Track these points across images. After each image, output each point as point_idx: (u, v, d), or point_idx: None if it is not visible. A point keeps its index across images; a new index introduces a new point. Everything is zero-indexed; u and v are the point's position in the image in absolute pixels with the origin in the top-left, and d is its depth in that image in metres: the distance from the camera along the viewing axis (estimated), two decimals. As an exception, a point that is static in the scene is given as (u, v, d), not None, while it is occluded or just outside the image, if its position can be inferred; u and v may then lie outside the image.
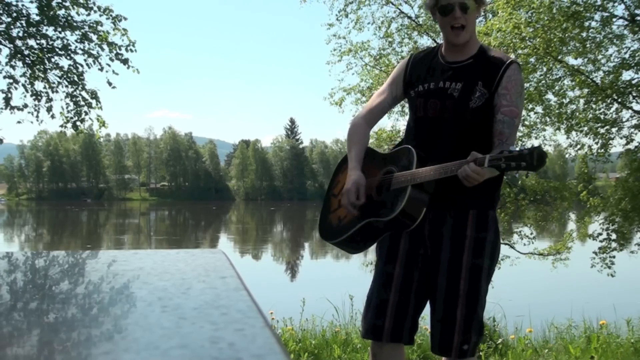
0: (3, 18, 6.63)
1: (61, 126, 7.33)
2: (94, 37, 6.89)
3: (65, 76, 6.94)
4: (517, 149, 1.75)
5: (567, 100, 7.07)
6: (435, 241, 2.01)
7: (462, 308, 1.95)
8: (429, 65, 2.11)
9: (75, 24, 6.78)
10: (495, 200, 2.12)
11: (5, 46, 6.72)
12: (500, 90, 1.98)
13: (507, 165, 1.75)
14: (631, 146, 7.04)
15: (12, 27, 6.64)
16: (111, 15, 6.91)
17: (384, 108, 2.25)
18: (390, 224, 1.98)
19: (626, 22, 6.53)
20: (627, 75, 6.75)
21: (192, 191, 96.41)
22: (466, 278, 1.96)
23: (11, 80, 6.86)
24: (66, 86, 7.01)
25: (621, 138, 7.02)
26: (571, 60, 6.73)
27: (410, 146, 2.02)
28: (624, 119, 7.00)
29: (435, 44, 9.92)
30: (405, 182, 1.96)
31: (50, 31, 6.75)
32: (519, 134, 9.35)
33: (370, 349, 2.13)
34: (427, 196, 1.96)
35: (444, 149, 1.99)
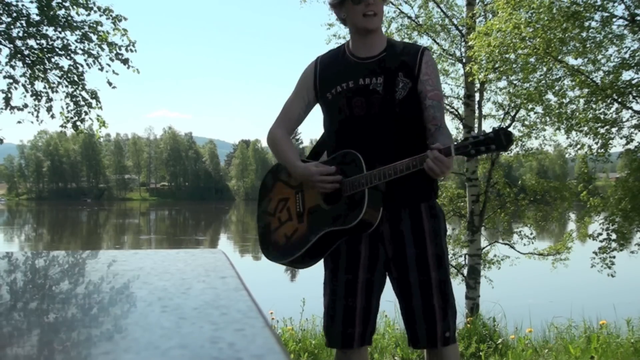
0: (3, 18, 6.64)
1: (61, 126, 7.34)
2: (94, 37, 6.89)
3: (65, 76, 6.94)
4: (481, 134, 1.79)
5: (567, 100, 7.07)
6: (397, 240, 2.01)
7: (437, 299, 1.98)
8: (340, 65, 2.09)
9: (75, 24, 6.78)
10: (437, 189, 2.13)
11: (5, 46, 6.72)
12: (422, 77, 2.01)
13: (476, 151, 1.78)
14: (631, 146, 7.04)
15: (12, 27, 6.64)
16: (111, 15, 6.91)
17: (299, 116, 2.20)
18: (352, 229, 1.94)
19: (626, 22, 6.53)
20: (627, 75, 6.75)
21: (192, 191, 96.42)
22: (434, 269, 1.99)
23: (11, 80, 6.86)
24: (66, 86, 7.01)
25: (621, 138, 7.03)
26: (571, 60, 6.74)
27: (351, 150, 1.98)
28: (624, 119, 7.01)
29: (435, 44, 9.92)
30: (361, 185, 1.93)
31: (50, 31, 6.76)
32: (519, 133, 9.39)
33: (338, 356, 2.09)
34: (381, 196, 1.96)
35: (382, 146, 1.98)
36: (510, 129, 1.89)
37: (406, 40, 9.40)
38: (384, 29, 9.31)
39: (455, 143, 1.83)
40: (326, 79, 2.09)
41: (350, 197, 1.96)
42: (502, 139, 1.75)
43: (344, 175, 1.98)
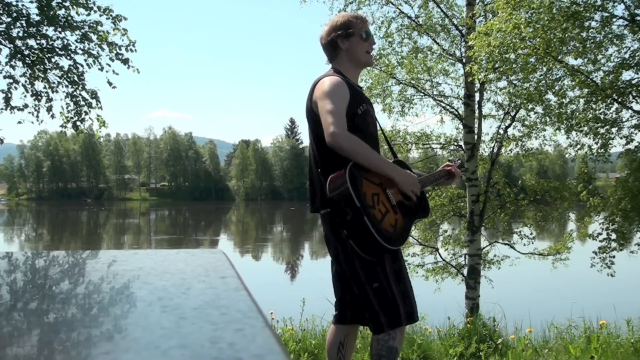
0: (3, 18, 6.63)
1: (61, 126, 7.33)
2: (94, 37, 6.89)
3: (65, 76, 6.94)
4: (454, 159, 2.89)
5: (567, 100, 7.06)
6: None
7: None
8: (354, 88, 2.40)
9: (75, 24, 6.77)
10: None
11: (5, 46, 6.72)
12: None
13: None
14: (631, 146, 7.04)
15: (12, 27, 6.63)
16: (111, 15, 6.91)
17: None
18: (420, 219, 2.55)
19: (626, 22, 6.52)
20: (627, 75, 6.75)
21: (192, 191, 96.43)
22: None
23: (11, 80, 6.86)
24: (66, 86, 7.01)
25: (621, 138, 7.02)
26: (571, 60, 6.73)
27: (400, 159, 2.52)
28: (624, 119, 7.00)
29: (435, 44, 9.89)
30: (424, 185, 2.55)
31: (50, 31, 6.75)
32: (519, 133, 9.40)
33: (397, 334, 2.35)
34: None
35: None
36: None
37: (406, 40, 9.41)
38: (383, 30, 9.34)
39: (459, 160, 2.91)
40: (355, 97, 2.36)
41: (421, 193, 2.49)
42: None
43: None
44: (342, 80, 2.34)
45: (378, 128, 2.53)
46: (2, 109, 6.89)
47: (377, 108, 9.52)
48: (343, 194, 2.22)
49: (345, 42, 2.41)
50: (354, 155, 2.23)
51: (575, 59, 6.61)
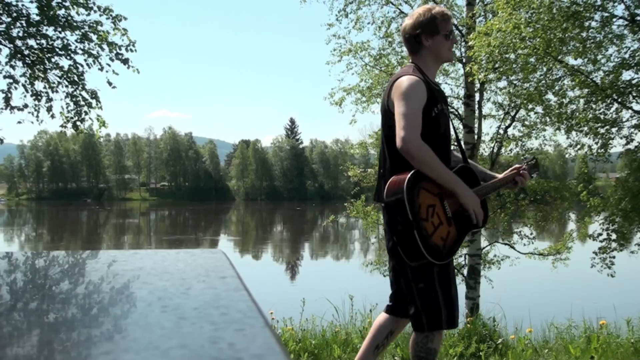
0: (3, 18, 6.63)
1: (61, 126, 7.33)
2: (94, 37, 6.89)
3: (65, 76, 6.94)
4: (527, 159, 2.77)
5: (567, 100, 7.06)
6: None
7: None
8: (431, 88, 2.39)
9: (75, 24, 6.77)
10: None
11: (5, 46, 6.72)
12: None
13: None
14: (631, 146, 7.04)
15: (12, 27, 6.63)
16: (111, 15, 6.90)
17: None
18: (480, 229, 2.55)
19: (626, 22, 6.52)
20: (627, 75, 6.75)
21: (192, 191, 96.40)
22: None
23: (11, 80, 6.86)
24: (66, 86, 7.01)
25: (621, 138, 7.02)
26: (571, 60, 6.73)
27: (466, 166, 2.51)
28: (624, 119, 7.00)
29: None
30: (481, 195, 2.44)
31: (50, 31, 6.75)
32: (519, 133, 9.40)
33: (438, 336, 2.45)
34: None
35: (449, 161, 2.45)
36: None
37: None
38: (383, 30, 9.34)
39: (527, 163, 2.77)
40: (431, 97, 2.37)
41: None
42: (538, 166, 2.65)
43: (470, 186, 2.40)
44: (420, 80, 2.34)
45: (451, 127, 2.55)
46: (2, 109, 6.89)
47: (377, 108, 9.50)
48: (398, 203, 2.23)
49: (429, 40, 2.42)
50: (420, 165, 2.24)
51: (575, 59, 6.61)
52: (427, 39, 2.42)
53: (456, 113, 9.49)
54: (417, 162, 2.23)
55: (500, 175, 2.71)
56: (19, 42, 6.72)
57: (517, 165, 2.75)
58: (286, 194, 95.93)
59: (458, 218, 2.36)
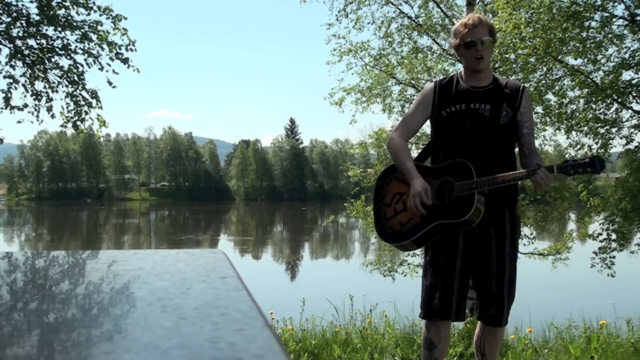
0: (3, 18, 6.63)
1: (61, 126, 7.33)
2: (94, 37, 6.89)
3: (65, 76, 6.93)
4: (580, 158, 2.31)
5: (567, 100, 7.06)
6: (484, 237, 2.51)
7: (506, 289, 2.51)
8: (455, 90, 2.57)
9: (75, 23, 6.77)
10: (517, 200, 2.67)
11: (5, 46, 6.72)
12: (522, 109, 2.53)
13: (575, 171, 2.27)
14: (631, 146, 7.04)
15: (12, 27, 6.63)
16: (111, 15, 6.90)
17: (416, 128, 2.74)
18: (460, 224, 2.44)
19: (626, 22, 6.52)
20: (627, 75, 6.74)
21: (192, 191, 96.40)
22: (508, 265, 2.51)
23: (11, 80, 6.86)
24: (66, 86, 7.01)
25: (621, 138, 7.02)
26: (571, 60, 6.73)
27: (463, 160, 2.45)
28: (624, 119, 7.00)
29: (435, 44, 9.91)
30: (472, 188, 2.40)
31: (50, 31, 6.75)
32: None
33: (432, 327, 2.55)
34: (485, 200, 2.43)
35: (482, 159, 2.43)
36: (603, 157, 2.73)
37: (406, 40, 9.41)
38: (383, 30, 9.34)
39: (558, 163, 2.34)
40: (443, 100, 2.57)
41: (461, 197, 2.43)
42: (597, 165, 2.23)
43: (455, 180, 2.45)
44: (432, 85, 2.64)
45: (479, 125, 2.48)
46: (2, 108, 6.89)
47: (377, 108, 9.51)
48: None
49: (459, 53, 2.61)
50: (391, 157, 2.69)
51: (575, 59, 6.61)
52: (457, 51, 2.62)
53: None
54: (390, 154, 2.69)
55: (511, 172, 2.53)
56: (19, 42, 6.72)
57: (533, 168, 2.41)
58: (286, 194, 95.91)
59: (430, 207, 2.49)
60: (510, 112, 2.50)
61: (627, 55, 6.66)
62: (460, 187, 2.44)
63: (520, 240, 10.61)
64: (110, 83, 7.16)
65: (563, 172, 2.27)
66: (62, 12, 6.70)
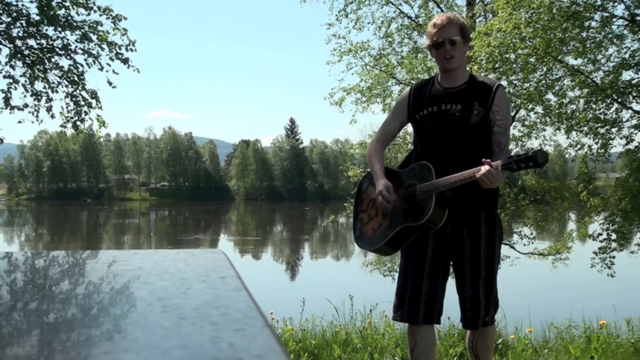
0: (3, 18, 6.63)
1: (61, 126, 7.33)
2: (94, 37, 6.89)
3: (65, 76, 6.93)
4: (523, 153, 2.22)
5: (567, 100, 7.05)
6: (457, 240, 2.47)
7: (483, 292, 2.49)
8: (428, 93, 2.56)
9: (75, 23, 6.77)
10: (497, 201, 2.62)
11: (5, 46, 6.72)
12: (494, 108, 2.46)
13: (517, 167, 2.20)
14: (631, 146, 7.03)
15: (12, 27, 6.63)
16: (111, 15, 6.90)
17: (393, 133, 2.75)
18: (421, 227, 2.42)
19: (626, 22, 6.52)
20: (627, 75, 6.74)
21: (192, 191, 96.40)
22: (484, 267, 2.47)
23: (11, 80, 6.86)
24: (66, 86, 7.01)
25: (621, 138, 7.01)
26: (571, 60, 6.73)
27: (426, 162, 2.45)
28: (624, 119, 6.99)
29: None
30: (430, 191, 2.37)
31: (50, 31, 6.75)
32: (519, 134, 9.38)
33: (408, 330, 2.59)
34: (447, 201, 2.39)
35: (454, 160, 2.40)
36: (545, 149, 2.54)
37: (406, 40, 9.41)
38: (383, 30, 9.34)
39: (502, 160, 2.25)
40: (417, 103, 2.59)
41: (422, 199, 2.42)
42: (539, 159, 2.17)
43: (420, 182, 2.44)
44: (407, 91, 2.67)
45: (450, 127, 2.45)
46: (2, 108, 6.89)
47: (377, 108, 9.52)
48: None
49: (432, 54, 2.59)
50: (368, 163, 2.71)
51: (575, 59, 6.61)
52: (430, 53, 2.61)
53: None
54: None
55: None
56: (19, 42, 6.72)
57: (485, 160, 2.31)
58: (286, 194, 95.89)
59: (397, 211, 2.52)
60: (482, 111, 2.45)
61: (627, 55, 6.66)
62: (420, 190, 2.43)
63: (520, 240, 10.57)
64: (110, 83, 7.16)
65: (508, 169, 2.21)
66: (62, 12, 6.70)
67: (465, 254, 2.47)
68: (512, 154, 2.27)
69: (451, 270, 2.60)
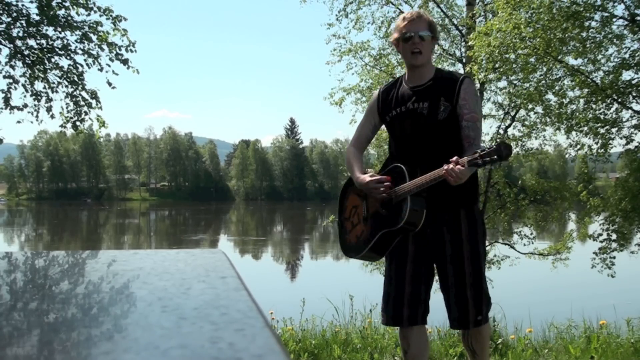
0: (3, 18, 6.63)
1: (61, 126, 7.32)
2: (94, 37, 6.88)
3: (65, 76, 6.93)
4: (487, 147, 2.17)
5: (567, 100, 7.05)
6: (437, 239, 2.43)
7: (470, 290, 2.41)
8: (396, 93, 2.54)
9: (75, 24, 6.76)
10: (477, 196, 2.58)
11: (5, 46, 6.71)
12: (460, 102, 2.40)
13: (483, 162, 2.14)
14: (631, 146, 7.03)
15: (12, 27, 6.63)
16: (111, 16, 6.90)
17: (368, 136, 2.73)
18: (400, 230, 2.37)
19: (626, 22, 6.52)
20: (627, 75, 6.74)
21: (192, 191, 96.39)
22: (469, 265, 2.41)
23: (11, 80, 6.85)
24: (66, 86, 7.00)
25: (621, 138, 7.01)
26: (571, 60, 6.73)
27: (399, 164, 2.42)
28: (624, 119, 6.98)
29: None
30: (405, 193, 2.34)
31: (50, 31, 6.74)
32: (519, 134, 9.37)
33: (399, 333, 2.60)
34: (424, 200, 2.34)
35: (426, 158, 2.36)
36: (510, 143, 2.42)
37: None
38: (383, 30, 9.33)
39: (468, 157, 2.19)
40: (385, 105, 2.57)
41: (398, 202, 2.38)
42: (502, 152, 2.11)
43: (395, 186, 2.40)
44: (376, 94, 2.66)
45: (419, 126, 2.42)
46: (1, 108, 6.89)
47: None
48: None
49: (398, 46, 2.52)
50: (347, 168, 2.69)
51: (575, 59, 6.61)
52: (397, 48, 2.55)
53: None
54: None
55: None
56: (19, 42, 6.71)
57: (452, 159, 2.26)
58: (286, 194, 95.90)
59: (376, 218, 2.50)
60: (448, 106, 2.39)
61: (627, 55, 6.66)
62: (395, 194, 2.39)
63: (520, 240, 10.56)
64: (109, 84, 7.15)
65: (474, 166, 2.16)
66: (62, 12, 6.70)
67: (447, 253, 2.42)
68: (482, 147, 2.23)
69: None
